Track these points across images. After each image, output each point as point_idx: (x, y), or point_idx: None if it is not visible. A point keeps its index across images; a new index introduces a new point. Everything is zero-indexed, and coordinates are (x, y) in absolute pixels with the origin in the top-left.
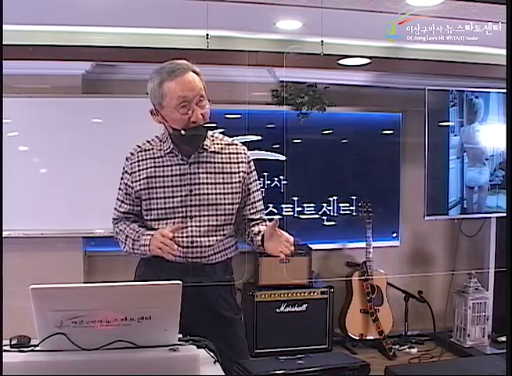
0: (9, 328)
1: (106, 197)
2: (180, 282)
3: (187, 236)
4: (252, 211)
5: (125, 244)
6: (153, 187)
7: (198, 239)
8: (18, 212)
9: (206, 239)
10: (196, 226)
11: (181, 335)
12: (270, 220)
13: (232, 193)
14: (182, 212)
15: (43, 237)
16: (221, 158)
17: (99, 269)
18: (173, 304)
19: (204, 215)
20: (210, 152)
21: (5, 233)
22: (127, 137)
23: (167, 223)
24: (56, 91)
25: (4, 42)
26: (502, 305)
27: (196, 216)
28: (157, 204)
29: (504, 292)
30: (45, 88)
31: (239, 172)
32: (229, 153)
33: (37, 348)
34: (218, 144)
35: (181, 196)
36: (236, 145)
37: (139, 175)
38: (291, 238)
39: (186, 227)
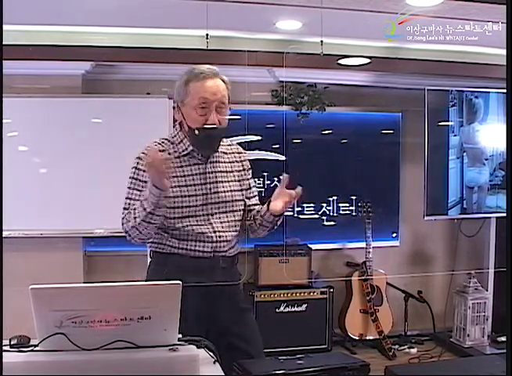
0: (9, 328)
1: (106, 196)
2: (180, 282)
3: (215, 231)
4: (253, 202)
5: (136, 216)
6: (174, 186)
7: (223, 234)
8: (18, 212)
9: (229, 234)
10: (219, 223)
11: (182, 335)
12: None
13: (241, 190)
14: (204, 210)
15: (43, 237)
16: (229, 158)
17: (98, 269)
18: (173, 304)
19: (224, 212)
20: (221, 152)
21: (5, 233)
22: (127, 137)
23: (189, 221)
24: (56, 91)
25: (4, 42)
26: (502, 305)
27: (216, 213)
28: (175, 203)
29: (504, 292)
30: (45, 88)
31: (243, 170)
32: (232, 153)
33: (36, 348)
34: (222, 145)
35: (202, 194)
36: (235, 145)
37: None
38: (294, 192)
39: (211, 223)
